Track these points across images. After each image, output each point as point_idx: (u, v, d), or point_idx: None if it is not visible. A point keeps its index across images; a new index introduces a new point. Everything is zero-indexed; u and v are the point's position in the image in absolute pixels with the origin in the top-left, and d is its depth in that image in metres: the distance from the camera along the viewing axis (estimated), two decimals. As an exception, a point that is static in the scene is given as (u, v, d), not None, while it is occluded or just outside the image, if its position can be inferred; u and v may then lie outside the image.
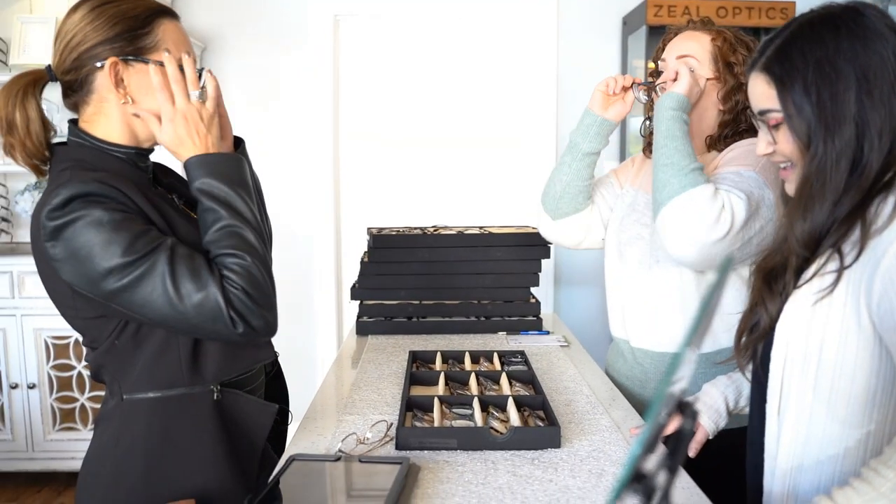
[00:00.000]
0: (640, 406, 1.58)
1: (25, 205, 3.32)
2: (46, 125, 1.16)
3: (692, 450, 1.33)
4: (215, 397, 1.19)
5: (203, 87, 1.18)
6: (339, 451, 1.23)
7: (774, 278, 1.09)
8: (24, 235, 3.54)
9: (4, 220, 3.47)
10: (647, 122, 1.75)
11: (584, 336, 2.64)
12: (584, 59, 3.58)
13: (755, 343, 1.13)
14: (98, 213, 1.04)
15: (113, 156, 1.17)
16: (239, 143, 1.34)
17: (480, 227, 2.33)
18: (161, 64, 1.15)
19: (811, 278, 1.03)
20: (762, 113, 1.08)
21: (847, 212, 1.01)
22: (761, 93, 1.07)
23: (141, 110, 1.16)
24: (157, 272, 1.05)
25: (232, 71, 3.55)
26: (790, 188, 1.12)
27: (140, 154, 1.21)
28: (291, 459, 1.15)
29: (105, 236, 1.03)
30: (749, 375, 1.23)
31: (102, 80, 1.14)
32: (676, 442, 0.56)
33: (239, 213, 1.14)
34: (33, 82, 1.15)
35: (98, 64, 1.13)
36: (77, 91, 1.17)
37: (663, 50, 1.61)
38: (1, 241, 3.48)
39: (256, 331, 1.10)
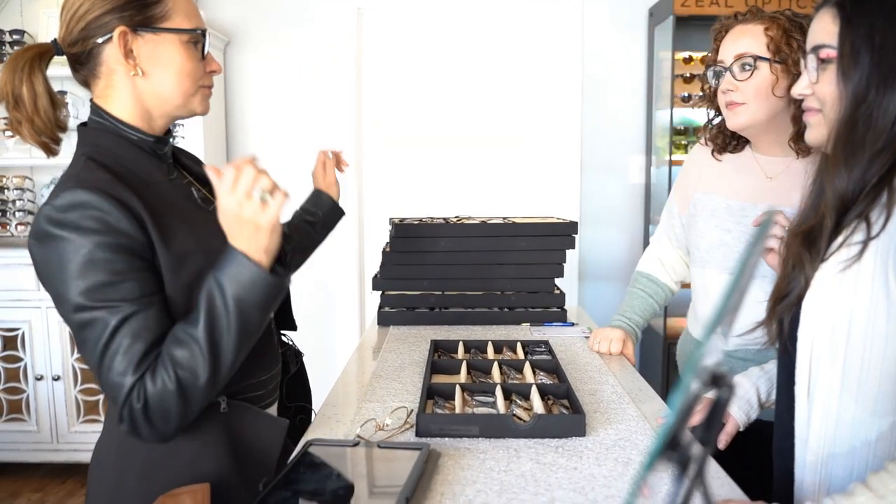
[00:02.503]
0: None
1: (51, 198, 3.34)
2: (55, 101, 1.12)
3: (722, 441, 1.28)
4: (222, 409, 1.14)
5: (266, 197, 1.03)
6: (358, 436, 1.20)
7: (813, 241, 1.05)
8: (49, 229, 3.57)
9: (30, 213, 3.50)
10: (711, 120, 1.71)
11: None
12: (610, 51, 3.53)
13: (787, 311, 1.08)
14: (85, 243, 0.99)
15: (130, 141, 1.14)
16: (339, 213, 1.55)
17: (504, 218, 2.30)
18: (173, 31, 1.12)
19: (837, 249, 1.00)
20: (815, 48, 1.04)
21: (878, 176, 0.97)
22: (822, 28, 1.03)
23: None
24: (97, 329, 1.00)
25: (255, 64, 3.56)
26: (812, 135, 1.08)
27: (158, 141, 1.18)
28: (309, 444, 1.13)
29: (75, 271, 0.99)
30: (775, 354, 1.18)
31: (111, 52, 1.10)
32: (712, 412, 0.53)
33: (216, 339, 1.02)
34: (38, 56, 1.11)
35: (106, 34, 1.09)
36: (85, 64, 1.13)
37: (717, 51, 1.56)
38: (27, 234, 3.50)
39: (139, 436, 1.03)
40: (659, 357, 3.27)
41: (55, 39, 1.13)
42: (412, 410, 1.30)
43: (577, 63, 3.53)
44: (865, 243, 0.97)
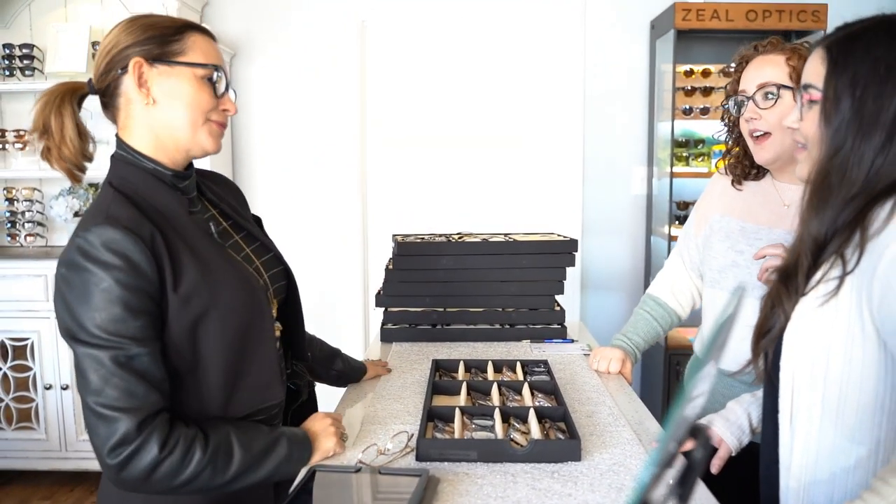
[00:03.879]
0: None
1: (59, 209, 3.39)
2: (82, 133, 1.19)
3: (715, 466, 1.32)
4: None
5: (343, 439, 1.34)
6: (360, 462, 1.24)
7: (790, 279, 1.09)
8: (58, 239, 3.62)
9: (39, 224, 3.54)
10: (729, 150, 1.73)
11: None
12: (612, 63, 3.56)
13: (769, 345, 1.13)
14: (107, 277, 1.06)
15: (149, 174, 1.19)
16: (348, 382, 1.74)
17: (505, 234, 2.33)
18: (186, 64, 1.18)
19: (816, 285, 1.04)
20: (804, 87, 1.08)
21: (849, 219, 1.01)
22: (812, 68, 1.07)
23: None
24: (99, 361, 1.06)
25: (260, 76, 3.60)
26: (800, 170, 1.13)
27: (176, 175, 1.23)
28: (312, 471, 1.16)
29: (95, 302, 1.06)
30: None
31: (129, 82, 1.17)
32: (687, 471, 0.56)
33: (247, 471, 1.16)
34: (72, 91, 1.20)
35: (126, 65, 1.17)
36: (110, 98, 1.20)
37: (738, 81, 1.59)
38: (36, 245, 3.55)
39: (121, 475, 1.07)
40: (661, 368, 3.30)
41: (90, 79, 1.21)
42: (413, 434, 1.34)
43: (578, 74, 3.55)
44: (842, 279, 1.01)
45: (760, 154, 1.56)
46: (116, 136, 1.22)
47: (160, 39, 1.18)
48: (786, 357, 1.07)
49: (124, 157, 1.20)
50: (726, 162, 1.73)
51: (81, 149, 1.19)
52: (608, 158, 3.61)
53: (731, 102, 1.61)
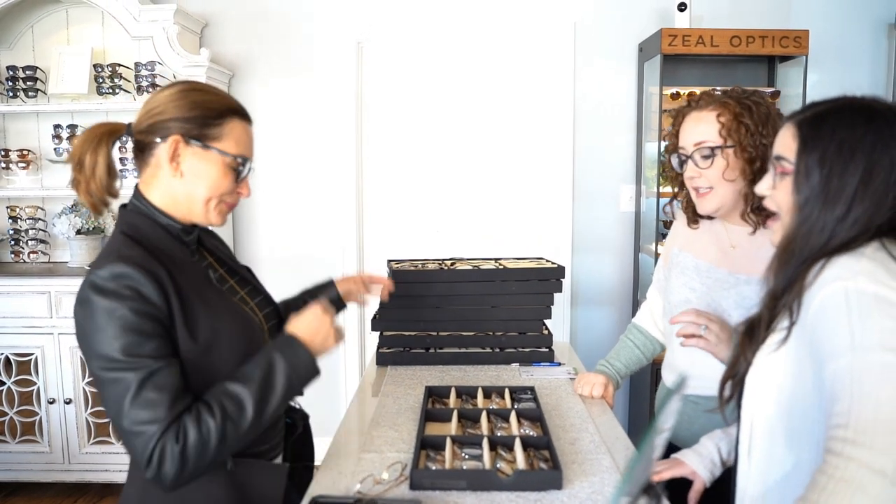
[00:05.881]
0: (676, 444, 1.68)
1: (62, 227, 3.47)
2: (112, 171, 1.30)
3: (692, 500, 1.44)
4: (228, 467, 1.29)
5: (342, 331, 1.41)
6: (358, 492, 1.33)
7: (752, 331, 1.23)
8: (60, 256, 3.70)
9: (42, 241, 3.63)
10: (676, 195, 1.82)
11: (601, 357, 2.73)
12: (601, 84, 3.66)
13: (735, 388, 1.27)
14: (120, 309, 1.16)
15: (160, 225, 1.31)
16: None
17: (496, 260, 2.43)
18: (218, 151, 1.29)
19: (770, 334, 1.18)
20: (778, 158, 1.19)
21: (801, 275, 1.13)
22: (785, 142, 1.18)
23: None
24: (125, 383, 1.15)
25: (258, 97, 3.68)
26: (774, 238, 1.24)
27: (184, 230, 1.34)
28: (314, 502, 1.26)
29: (112, 331, 1.16)
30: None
31: (163, 151, 1.28)
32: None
33: (264, 398, 1.23)
34: (110, 132, 1.30)
35: (165, 136, 1.28)
36: (143, 151, 1.31)
37: (678, 136, 1.66)
38: (39, 262, 3.64)
39: (162, 482, 1.16)
40: (648, 376, 3.40)
41: (130, 123, 1.33)
42: (406, 465, 1.43)
43: (568, 97, 3.65)
44: (789, 329, 1.14)
45: (703, 206, 1.65)
46: (136, 187, 1.33)
47: (202, 121, 1.29)
48: (746, 397, 1.21)
49: (139, 208, 1.31)
50: (681, 205, 1.82)
51: (108, 186, 1.30)
52: (597, 177, 3.71)
53: (674, 160, 1.69)
